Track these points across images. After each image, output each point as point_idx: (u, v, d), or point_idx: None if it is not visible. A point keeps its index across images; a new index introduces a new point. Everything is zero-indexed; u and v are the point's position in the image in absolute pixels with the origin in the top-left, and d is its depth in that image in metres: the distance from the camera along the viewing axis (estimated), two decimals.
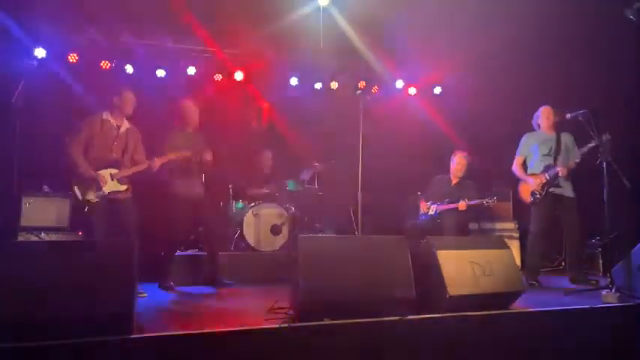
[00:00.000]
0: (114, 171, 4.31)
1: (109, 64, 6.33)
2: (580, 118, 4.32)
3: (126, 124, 4.46)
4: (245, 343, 2.67)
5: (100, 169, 4.24)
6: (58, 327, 2.36)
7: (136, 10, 5.88)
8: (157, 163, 4.43)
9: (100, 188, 4.20)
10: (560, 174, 4.77)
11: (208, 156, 4.78)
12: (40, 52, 5.88)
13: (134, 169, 4.40)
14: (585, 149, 4.62)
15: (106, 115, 4.36)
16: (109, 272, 2.57)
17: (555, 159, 4.91)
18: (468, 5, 5.72)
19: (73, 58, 6.12)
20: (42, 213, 5.30)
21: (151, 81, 6.51)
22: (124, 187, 4.35)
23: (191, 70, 6.71)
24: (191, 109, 4.89)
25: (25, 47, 5.80)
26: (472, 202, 5.25)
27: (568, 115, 4.44)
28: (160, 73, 6.63)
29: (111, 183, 4.28)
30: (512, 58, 6.35)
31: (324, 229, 6.48)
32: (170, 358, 2.56)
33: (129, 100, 4.40)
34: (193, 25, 6.08)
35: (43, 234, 5.20)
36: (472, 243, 3.53)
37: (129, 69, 6.43)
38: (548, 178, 4.84)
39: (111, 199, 4.26)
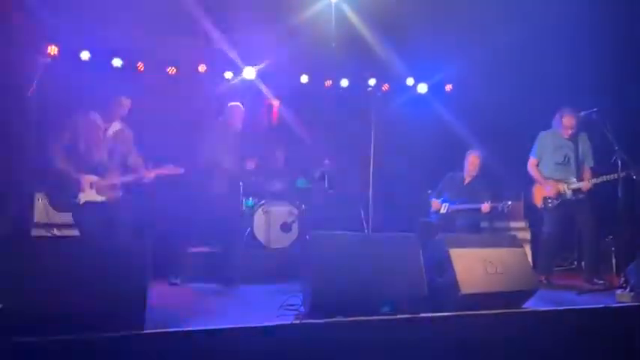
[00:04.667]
0: (94, 178, 3.86)
1: (121, 62, 6.36)
2: (594, 116, 4.26)
3: (116, 126, 4.06)
4: (258, 339, 2.68)
5: (82, 174, 3.81)
6: (71, 322, 2.37)
7: (147, 7, 5.90)
8: (152, 174, 4.09)
9: (75, 195, 3.76)
10: (583, 189, 4.66)
11: (250, 165, 4.87)
12: (52, 50, 5.92)
13: (122, 179, 3.99)
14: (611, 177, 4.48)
15: (93, 115, 3.95)
16: (122, 268, 2.59)
17: (577, 171, 4.77)
18: (479, 2, 5.69)
19: (85, 55, 6.15)
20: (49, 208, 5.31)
21: (161, 78, 6.53)
22: (101, 198, 3.86)
23: (202, 68, 6.72)
24: (238, 111, 4.94)
25: (38, 44, 5.84)
26: (495, 205, 5.16)
27: (582, 113, 4.38)
28: (171, 70, 6.65)
29: (89, 192, 3.82)
30: (525, 57, 6.30)
31: (334, 227, 6.45)
32: (183, 354, 2.57)
33: (123, 104, 4.05)
34: (204, 23, 6.09)
35: (55, 230, 5.24)
36: (485, 241, 3.51)
37: (140, 67, 6.47)
38: (566, 190, 4.72)
39: (88, 208, 3.81)
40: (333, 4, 5.43)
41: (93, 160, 3.85)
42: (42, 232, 5.00)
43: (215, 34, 6.24)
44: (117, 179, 3.95)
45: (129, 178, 4.00)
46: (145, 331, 2.53)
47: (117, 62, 6.32)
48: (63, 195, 3.73)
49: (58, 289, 2.44)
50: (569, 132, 4.80)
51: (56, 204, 3.82)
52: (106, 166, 3.91)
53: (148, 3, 5.74)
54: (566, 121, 4.80)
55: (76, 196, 3.76)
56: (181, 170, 4.28)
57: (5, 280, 2.39)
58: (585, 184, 4.63)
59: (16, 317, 2.29)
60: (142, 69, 6.46)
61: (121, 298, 2.52)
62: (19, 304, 2.32)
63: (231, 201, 5.11)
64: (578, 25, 5.62)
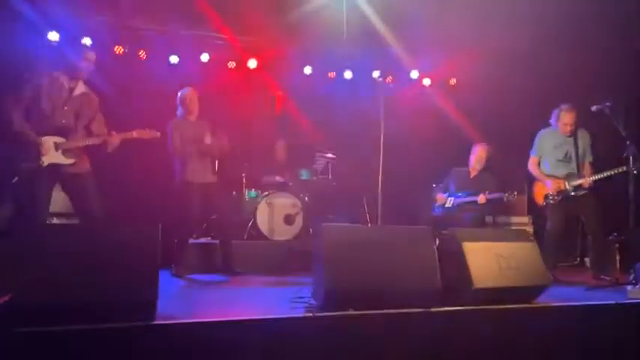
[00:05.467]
0: (60, 140, 3.57)
1: (122, 50, 6.27)
2: (606, 111, 4.23)
3: (81, 87, 3.75)
4: (270, 331, 2.63)
5: (43, 135, 3.51)
6: (81, 312, 2.32)
7: None
8: (117, 138, 3.77)
9: (37, 157, 3.46)
10: (584, 185, 4.63)
11: (207, 140, 4.65)
12: (53, 36, 5.82)
13: (87, 141, 3.70)
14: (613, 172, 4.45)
15: (56, 74, 3.63)
16: (132, 258, 2.53)
17: (578, 167, 4.75)
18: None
19: (86, 42, 6.04)
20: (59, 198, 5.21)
21: (163, 67, 6.45)
22: (69, 161, 3.59)
23: (204, 57, 6.64)
24: (192, 96, 4.80)
25: (38, 30, 5.73)
26: (492, 196, 5.16)
27: (593, 108, 4.34)
28: (174, 59, 6.56)
29: (53, 153, 3.53)
30: (531, 50, 6.26)
31: (337, 220, 6.43)
32: (193, 344, 2.52)
33: (88, 58, 3.73)
34: (208, 12, 6.00)
35: (54, 219, 5.16)
36: (497, 235, 3.47)
37: (142, 54, 6.38)
38: (568, 187, 4.69)
39: (53, 172, 3.56)
40: None
41: (58, 121, 3.58)
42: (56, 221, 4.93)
43: (219, 22, 6.17)
44: (82, 142, 3.68)
45: (94, 141, 3.72)
46: (155, 322, 2.48)
47: (119, 50, 6.25)
48: (24, 158, 3.45)
49: (68, 279, 2.38)
50: (568, 128, 4.76)
51: (16, 168, 3.49)
52: (72, 128, 3.65)
53: None
54: (565, 118, 4.76)
55: (38, 158, 3.46)
56: (158, 134, 4.03)
57: (14, 269, 2.32)
58: (586, 181, 4.61)
59: (25, 307, 2.23)
60: (144, 57, 6.39)
61: (131, 288, 2.46)
62: (29, 293, 2.25)
63: (221, 189, 5.03)
64: (587, 17, 5.58)
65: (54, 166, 3.55)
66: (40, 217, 3.56)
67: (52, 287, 2.32)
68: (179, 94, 4.86)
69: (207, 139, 4.68)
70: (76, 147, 3.66)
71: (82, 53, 3.73)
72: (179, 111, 4.85)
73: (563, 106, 4.80)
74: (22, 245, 2.39)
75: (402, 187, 6.19)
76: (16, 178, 3.49)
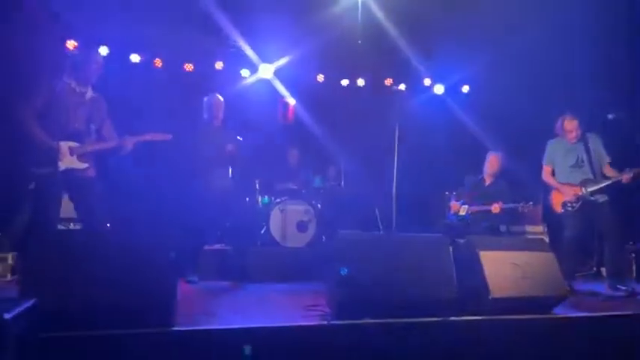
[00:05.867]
0: (74, 144, 3.57)
1: (139, 58, 6.36)
2: (623, 117, 4.19)
3: (90, 92, 3.74)
4: (286, 338, 2.63)
5: (58, 141, 3.50)
6: (101, 318, 2.34)
7: (164, 3, 5.89)
8: (130, 142, 3.77)
9: (54, 162, 3.45)
10: (624, 180, 4.48)
11: (230, 147, 4.71)
12: (71, 44, 5.91)
13: (101, 145, 3.72)
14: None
15: (68, 79, 3.62)
16: (151, 263, 2.55)
17: (594, 172, 4.67)
18: (502, 4, 5.63)
19: (103, 50, 6.14)
20: (67, 203, 5.27)
21: (179, 75, 6.53)
22: (83, 165, 3.59)
23: (219, 65, 6.71)
24: (217, 102, 4.87)
25: (57, 38, 5.83)
26: (507, 206, 5.12)
27: (610, 116, 4.31)
28: (188, 67, 6.64)
29: (68, 158, 3.53)
30: (545, 58, 6.24)
31: (350, 227, 6.43)
32: (211, 351, 2.53)
33: (97, 60, 3.74)
34: (221, 20, 6.07)
35: (72, 224, 5.21)
36: (514, 244, 3.44)
37: (157, 62, 6.46)
38: (585, 192, 4.62)
39: (67, 177, 3.54)
40: (359, 3, 5.37)
41: (72, 126, 3.57)
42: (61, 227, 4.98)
43: (234, 31, 6.23)
44: (96, 146, 3.69)
45: (108, 145, 3.72)
46: (174, 328, 2.49)
47: (135, 58, 6.34)
48: (40, 163, 3.42)
49: (88, 284, 2.40)
50: (573, 135, 4.71)
51: (32, 173, 3.47)
52: (85, 132, 3.64)
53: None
54: (568, 126, 4.71)
55: (55, 164, 3.44)
56: (169, 136, 3.98)
57: (36, 275, 2.35)
58: (626, 176, 4.47)
59: (47, 312, 2.25)
60: (159, 65, 6.47)
61: (151, 294, 2.48)
62: (52, 299, 2.28)
63: (238, 196, 5.07)
64: (599, 25, 5.56)
65: (67, 172, 3.54)
66: (54, 223, 3.60)
67: (73, 293, 2.34)
68: (205, 99, 4.92)
69: (229, 146, 4.73)
70: (91, 151, 3.66)
71: (92, 57, 3.74)
72: (204, 116, 4.90)
73: (566, 115, 4.77)
74: (43, 251, 2.42)
75: (416, 195, 6.17)
76: (32, 184, 3.49)
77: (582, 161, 4.74)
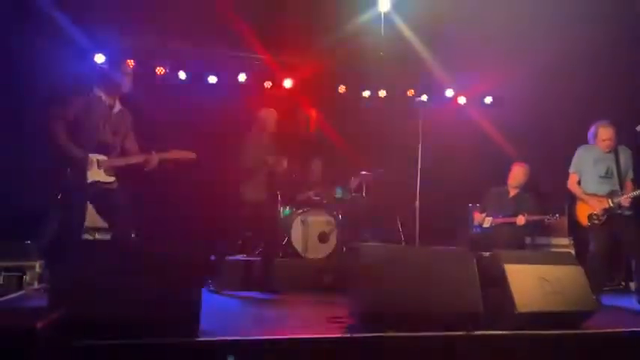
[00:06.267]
0: (101, 157, 3.59)
1: (164, 71, 6.48)
2: None
3: (118, 105, 3.76)
4: (309, 350, 2.63)
5: (87, 153, 3.51)
6: (125, 327, 2.37)
7: (189, 16, 6.00)
8: (156, 158, 3.74)
9: (83, 173, 3.49)
10: (622, 203, 4.42)
11: (283, 164, 4.83)
12: (99, 58, 6.06)
13: (127, 160, 3.73)
14: None
15: (97, 92, 3.64)
16: (176, 273, 2.58)
17: (621, 184, 4.55)
18: (525, 16, 5.59)
19: (129, 64, 6.27)
20: (92, 212, 5.36)
21: (202, 87, 6.64)
22: (110, 179, 3.63)
23: (242, 77, 6.80)
24: (269, 117, 5.00)
25: (84, 52, 5.99)
26: (533, 218, 5.04)
27: (638, 128, 4.22)
28: (212, 79, 6.74)
29: (96, 171, 3.56)
30: (571, 68, 6.15)
31: (371, 239, 6.40)
32: None
33: (127, 72, 3.77)
34: (245, 32, 6.15)
35: (97, 234, 5.31)
36: (540, 258, 3.38)
37: (181, 75, 6.58)
38: (612, 204, 4.48)
39: (94, 188, 3.57)
40: (382, 15, 5.40)
41: (99, 139, 3.58)
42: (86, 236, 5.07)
43: (256, 43, 6.31)
44: (124, 161, 3.71)
45: (136, 159, 3.72)
46: (198, 339, 2.51)
47: (160, 71, 6.47)
48: (69, 174, 3.44)
49: (115, 294, 2.43)
50: (607, 144, 4.58)
51: (61, 184, 3.50)
52: (112, 145, 3.67)
53: (190, 13, 5.84)
54: (602, 134, 4.59)
55: (84, 175, 3.47)
56: (193, 155, 3.92)
57: (65, 284, 2.40)
58: (624, 199, 4.42)
59: (75, 321, 2.29)
60: (183, 77, 6.59)
61: (175, 304, 2.50)
62: (78, 308, 2.32)
63: (270, 208, 5.12)
64: (627, 34, 5.47)
65: (94, 184, 3.57)
66: (80, 233, 3.67)
67: (100, 302, 2.38)
68: (261, 112, 5.05)
69: (270, 159, 4.82)
70: (118, 166, 3.68)
71: (121, 68, 3.76)
72: (254, 129, 5.02)
73: (601, 122, 4.64)
74: (71, 261, 2.47)
75: (439, 207, 6.12)
76: (60, 195, 3.51)
77: (611, 173, 4.61)
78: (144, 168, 3.77)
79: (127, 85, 3.74)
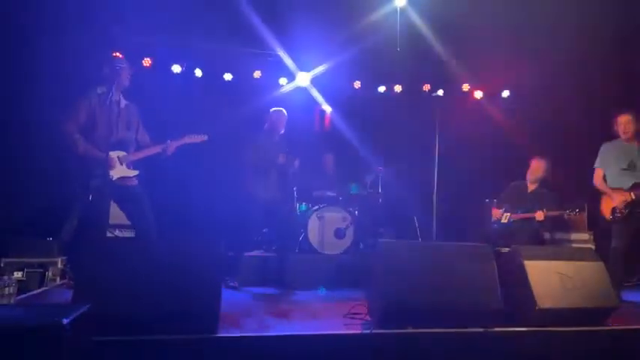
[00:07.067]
0: (121, 153, 3.72)
1: (180, 68, 6.52)
2: None
3: (123, 100, 3.85)
4: (329, 347, 2.64)
5: (106, 151, 3.57)
6: (147, 322, 2.40)
7: (204, 14, 6.02)
8: (173, 146, 3.92)
9: (106, 173, 3.55)
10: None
11: (295, 164, 4.92)
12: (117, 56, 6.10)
13: (146, 152, 3.87)
14: None
15: (101, 89, 3.70)
16: (196, 270, 2.60)
17: None
18: (543, 10, 5.51)
19: (147, 62, 6.33)
20: (114, 210, 5.44)
21: (218, 84, 6.67)
22: (134, 173, 3.77)
23: (257, 74, 6.82)
24: (280, 117, 5.06)
25: (103, 50, 6.04)
26: (552, 213, 4.98)
27: None
28: (227, 76, 6.77)
29: (119, 168, 3.68)
30: (590, 60, 6.05)
31: (387, 235, 6.40)
32: (253, 358, 2.56)
33: (124, 67, 3.79)
34: (260, 29, 6.16)
35: (117, 231, 5.38)
36: (561, 254, 3.34)
37: (198, 73, 6.62)
38: (635, 197, 4.44)
39: (118, 186, 3.68)
40: (398, 10, 5.36)
41: (115, 135, 3.65)
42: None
43: (273, 41, 6.32)
44: (143, 153, 3.83)
45: (154, 150, 3.87)
46: (217, 335, 2.54)
47: (176, 68, 6.52)
48: (92, 175, 3.49)
49: (136, 291, 2.47)
50: (626, 130, 4.58)
51: (85, 185, 3.52)
52: (128, 140, 3.79)
53: (205, 11, 5.86)
54: (621, 119, 4.61)
55: (107, 174, 3.55)
56: (205, 137, 4.09)
57: (88, 281, 2.44)
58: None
59: (97, 317, 2.33)
60: (199, 75, 6.63)
61: (195, 301, 2.53)
62: (101, 304, 2.36)
63: (284, 204, 5.19)
64: None
65: (119, 180, 3.68)
66: (103, 230, 3.74)
67: (122, 298, 2.42)
68: (271, 111, 5.11)
69: (282, 158, 4.87)
70: (138, 159, 3.80)
71: (118, 64, 3.79)
72: (266, 127, 5.08)
73: (621, 110, 4.66)
74: (95, 258, 2.51)
75: (456, 202, 6.09)
76: (85, 194, 3.52)
77: (634, 165, 4.57)
78: (160, 157, 3.91)
79: (127, 78, 3.81)
